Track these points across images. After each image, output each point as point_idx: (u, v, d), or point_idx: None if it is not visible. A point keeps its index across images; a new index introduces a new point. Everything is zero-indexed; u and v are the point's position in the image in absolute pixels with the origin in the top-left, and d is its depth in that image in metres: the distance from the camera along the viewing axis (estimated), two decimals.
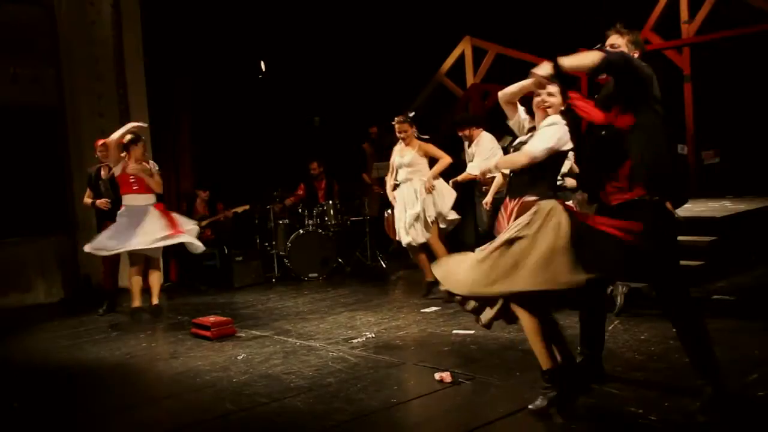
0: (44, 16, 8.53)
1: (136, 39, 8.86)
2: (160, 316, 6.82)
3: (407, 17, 11.08)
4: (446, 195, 6.89)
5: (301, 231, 8.86)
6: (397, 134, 6.97)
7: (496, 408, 3.71)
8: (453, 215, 6.93)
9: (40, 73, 8.47)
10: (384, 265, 9.18)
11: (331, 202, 9.17)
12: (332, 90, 10.89)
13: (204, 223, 9.05)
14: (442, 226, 6.90)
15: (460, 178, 7.05)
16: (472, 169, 6.95)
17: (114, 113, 8.69)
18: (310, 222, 8.99)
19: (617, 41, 3.74)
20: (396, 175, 7.05)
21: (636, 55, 3.68)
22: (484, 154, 6.90)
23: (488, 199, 6.46)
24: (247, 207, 9.13)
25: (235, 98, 10.24)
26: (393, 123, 7.00)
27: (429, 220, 6.79)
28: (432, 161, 6.95)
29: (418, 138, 6.99)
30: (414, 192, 6.84)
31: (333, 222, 9.06)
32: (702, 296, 6.00)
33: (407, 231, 6.83)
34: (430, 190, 6.78)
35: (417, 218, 6.79)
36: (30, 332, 6.69)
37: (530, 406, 3.56)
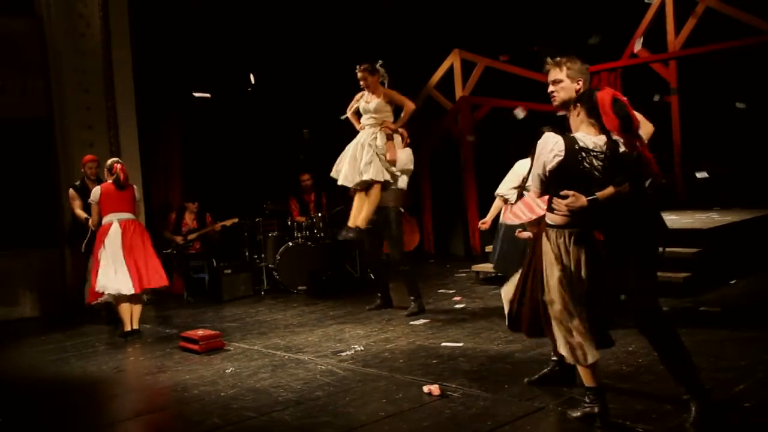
0: (33, 27, 8.51)
1: (125, 50, 8.84)
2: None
3: (396, 30, 11.13)
4: (403, 158, 6.70)
5: (290, 243, 8.84)
6: (360, 82, 6.85)
7: (485, 420, 3.72)
8: (402, 182, 6.77)
9: (28, 84, 8.43)
10: (373, 278, 9.16)
11: (320, 214, 9.17)
12: (321, 102, 10.89)
13: (193, 236, 9.05)
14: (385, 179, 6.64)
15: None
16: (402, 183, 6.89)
17: (103, 125, 8.66)
18: (299, 234, 8.99)
19: (557, 75, 3.63)
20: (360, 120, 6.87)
21: (580, 83, 3.59)
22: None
23: (487, 219, 6.33)
24: (235, 220, 9.11)
25: (225, 110, 10.24)
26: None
27: (384, 167, 6.57)
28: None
29: (383, 84, 6.86)
30: (374, 135, 6.64)
31: (322, 234, 9.06)
32: (689, 307, 6.04)
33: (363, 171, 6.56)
34: (389, 129, 6.63)
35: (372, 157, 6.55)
36: (16, 346, 6.64)
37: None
